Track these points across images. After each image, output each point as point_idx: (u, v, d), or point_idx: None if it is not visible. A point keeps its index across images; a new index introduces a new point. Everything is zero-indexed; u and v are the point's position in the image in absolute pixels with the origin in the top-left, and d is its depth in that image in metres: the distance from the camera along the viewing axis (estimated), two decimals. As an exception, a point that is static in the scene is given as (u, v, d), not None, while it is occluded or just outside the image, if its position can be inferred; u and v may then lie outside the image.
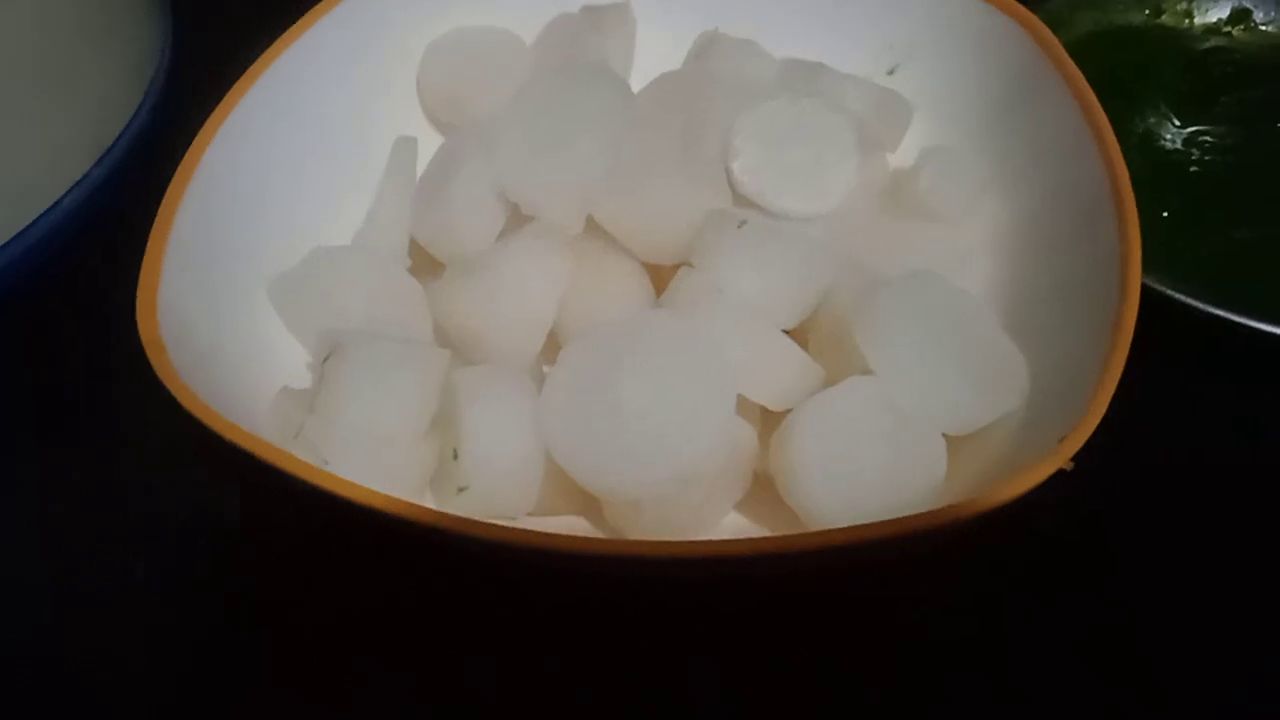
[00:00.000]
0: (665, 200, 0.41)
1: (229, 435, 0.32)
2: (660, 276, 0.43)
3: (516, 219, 0.43)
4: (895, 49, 0.50)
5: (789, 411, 0.38)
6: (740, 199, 0.44)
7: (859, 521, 0.34)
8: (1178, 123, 0.54)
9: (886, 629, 0.40)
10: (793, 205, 0.44)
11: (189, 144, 0.41)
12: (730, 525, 0.40)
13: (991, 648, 0.39)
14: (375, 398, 0.36)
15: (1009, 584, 0.41)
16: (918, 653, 0.40)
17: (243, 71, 0.44)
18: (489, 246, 0.42)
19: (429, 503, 0.38)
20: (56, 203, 0.44)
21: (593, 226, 0.43)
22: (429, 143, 0.49)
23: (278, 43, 0.44)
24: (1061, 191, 0.42)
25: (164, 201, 0.38)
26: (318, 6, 0.46)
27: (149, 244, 0.37)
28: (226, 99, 0.42)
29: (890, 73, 0.51)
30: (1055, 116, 0.43)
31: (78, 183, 0.46)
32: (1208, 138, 0.53)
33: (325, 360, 0.36)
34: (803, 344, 0.40)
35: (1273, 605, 0.40)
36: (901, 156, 0.48)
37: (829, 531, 0.31)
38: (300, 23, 0.45)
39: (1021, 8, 0.46)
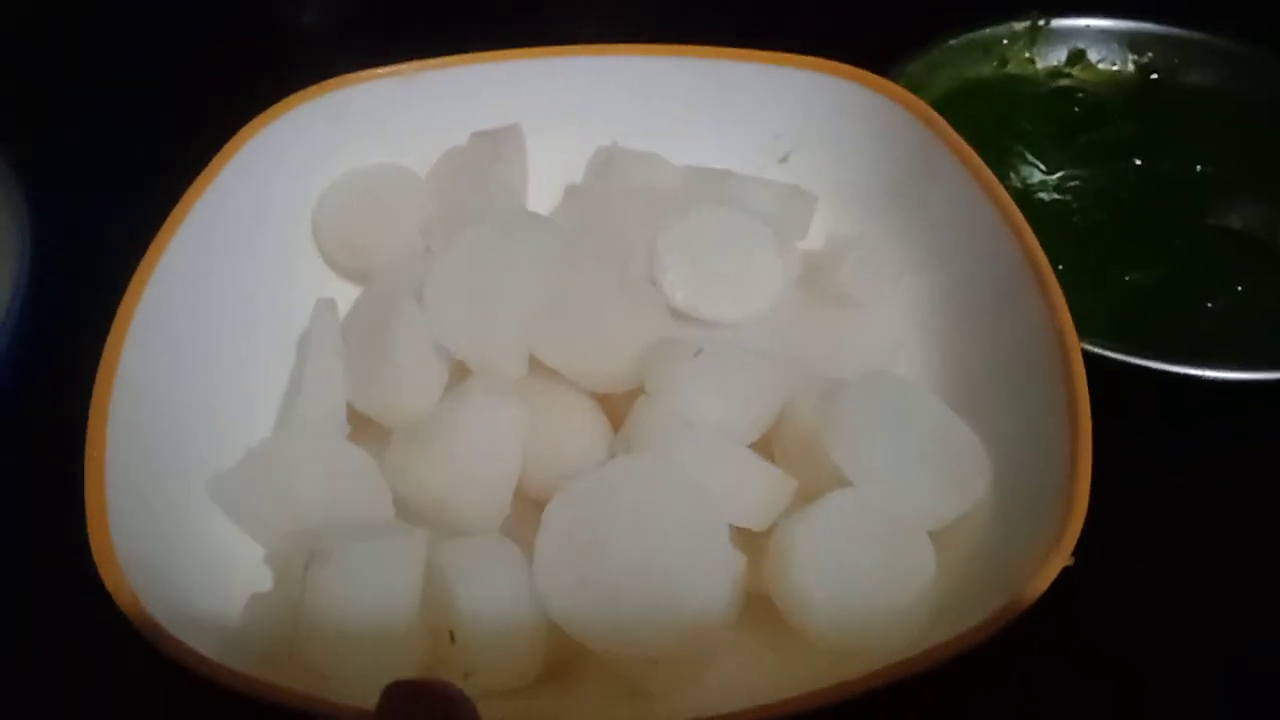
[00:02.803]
0: (609, 331, 0.41)
1: (239, 686, 0.30)
2: (609, 402, 0.43)
3: (454, 371, 0.42)
4: (783, 138, 0.52)
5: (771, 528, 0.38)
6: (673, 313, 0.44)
7: (864, 636, 0.35)
8: (1044, 168, 0.57)
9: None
10: (725, 312, 0.45)
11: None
12: (731, 646, 0.39)
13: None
14: (367, 600, 0.35)
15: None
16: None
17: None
18: (435, 407, 0.41)
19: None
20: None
21: (535, 366, 0.42)
22: (337, 292, 0.47)
23: (160, 235, 0.42)
24: (976, 269, 0.44)
25: (90, 440, 0.36)
26: (192, 188, 0.44)
27: (88, 486, 0.34)
28: (122, 310, 0.39)
29: (783, 161, 0.52)
30: (955, 195, 0.46)
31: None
32: (1076, 181, 0.56)
33: (306, 568, 0.35)
34: (767, 455, 0.41)
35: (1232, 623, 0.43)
36: (807, 241, 0.49)
37: (873, 674, 0.32)
38: (177, 211, 0.43)
39: (903, 91, 0.48)
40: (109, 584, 0.32)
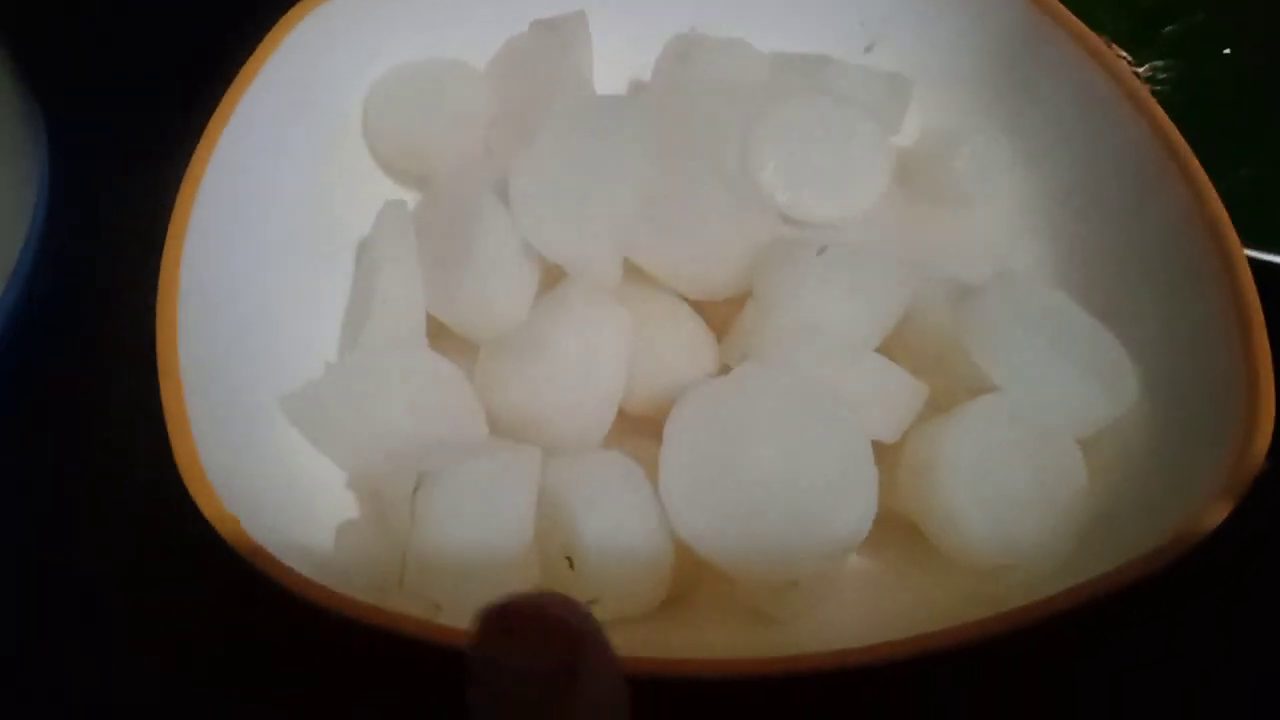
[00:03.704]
0: (716, 233, 0.37)
1: (380, 623, 0.27)
2: (704, 310, 0.40)
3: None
4: (869, 25, 0.48)
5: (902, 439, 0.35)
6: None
7: (1014, 553, 0.33)
8: (1131, 59, 0.54)
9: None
10: (827, 211, 0.41)
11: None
12: (855, 568, 0.37)
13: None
14: (482, 524, 0.31)
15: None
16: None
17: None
18: (527, 316, 0.37)
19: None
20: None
21: (629, 271, 0.38)
22: (395, 197, 0.43)
23: (204, 141, 0.37)
24: (1101, 159, 0.41)
25: (162, 365, 0.32)
26: (229, 92, 0.39)
27: (168, 413, 0.31)
28: (175, 221, 0.35)
29: (868, 50, 0.48)
30: (1071, 78, 0.42)
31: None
32: (1167, 74, 0.53)
33: (415, 492, 0.31)
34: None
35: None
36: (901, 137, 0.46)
37: (1056, 596, 0.29)
38: (218, 115, 0.38)
39: (1005, -32, 0.44)
40: (211, 515, 0.28)
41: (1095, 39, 0.42)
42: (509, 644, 0.20)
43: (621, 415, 0.37)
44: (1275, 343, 0.39)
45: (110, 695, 0.37)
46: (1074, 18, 0.42)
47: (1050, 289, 0.38)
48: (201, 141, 0.38)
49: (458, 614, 0.30)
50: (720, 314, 0.39)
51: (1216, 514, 0.29)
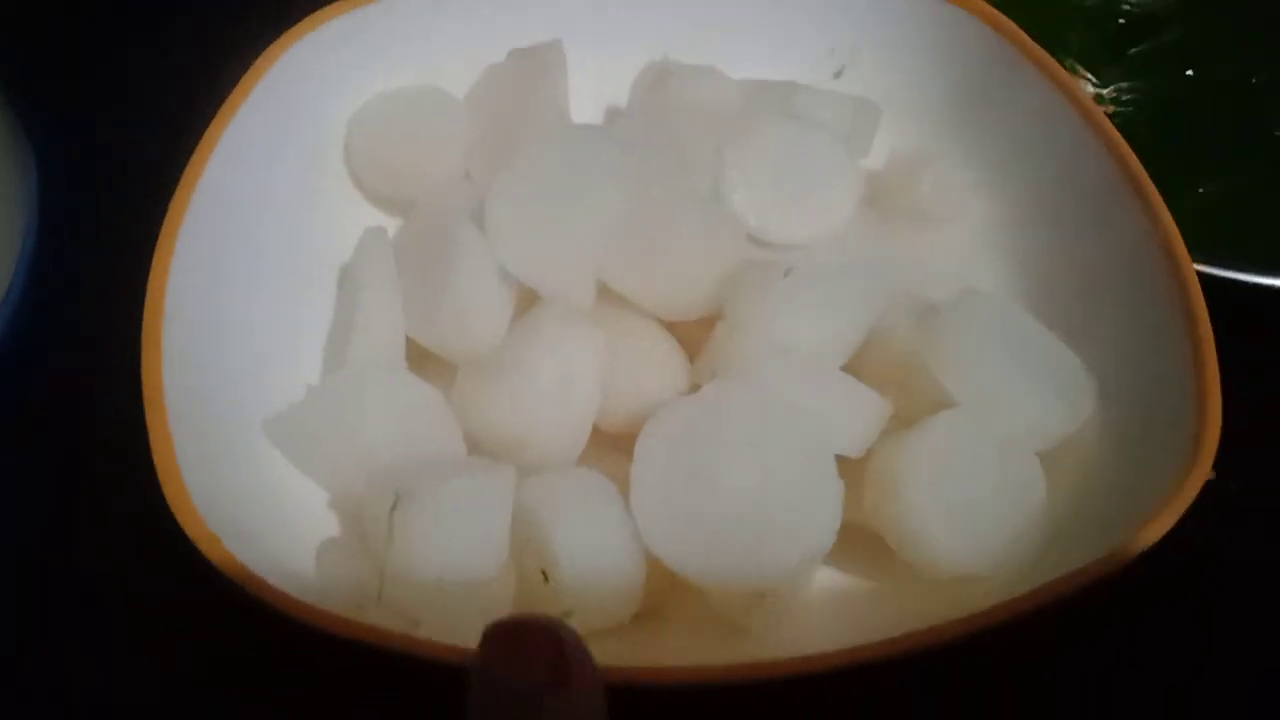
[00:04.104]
0: (688, 255, 0.39)
1: (366, 639, 0.28)
2: (677, 331, 0.41)
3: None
4: (838, 52, 0.49)
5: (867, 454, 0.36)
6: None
7: (976, 564, 0.34)
8: (1097, 81, 0.55)
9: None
10: (796, 233, 0.42)
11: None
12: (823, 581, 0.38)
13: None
14: (458, 542, 0.32)
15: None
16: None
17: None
18: (503, 338, 0.38)
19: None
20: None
21: (601, 293, 0.39)
22: (375, 222, 0.44)
23: (191, 167, 0.38)
24: (1062, 181, 0.42)
25: (147, 391, 0.33)
26: (217, 118, 0.40)
27: (153, 436, 0.32)
28: (162, 244, 0.36)
29: (837, 76, 0.49)
30: (1033, 104, 0.44)
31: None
32: (1131, 95, 0.54)
33: (392, 511, 0.32)
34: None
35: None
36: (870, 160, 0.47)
37: (1010, 603, 0.30)
38: (205, 141, 0.39)
39: (974, -2, 0.45)
40: (194, 535, 0.29)
41: (1058, 67, 0.43)
42: (505, 658, 0.22)
43: (597, 432, 0.38)
44: (1230, 355, 0.41)
45: (110, 695, 0.37)
46: (1038, 47, 0.44)
47: (1012, 307, 0.39)
48: (186, 170, 0.39)
49: (436, 629, 0.31)
50: (693, 334, 0.40)
51: (1163, 523, 0.31)
